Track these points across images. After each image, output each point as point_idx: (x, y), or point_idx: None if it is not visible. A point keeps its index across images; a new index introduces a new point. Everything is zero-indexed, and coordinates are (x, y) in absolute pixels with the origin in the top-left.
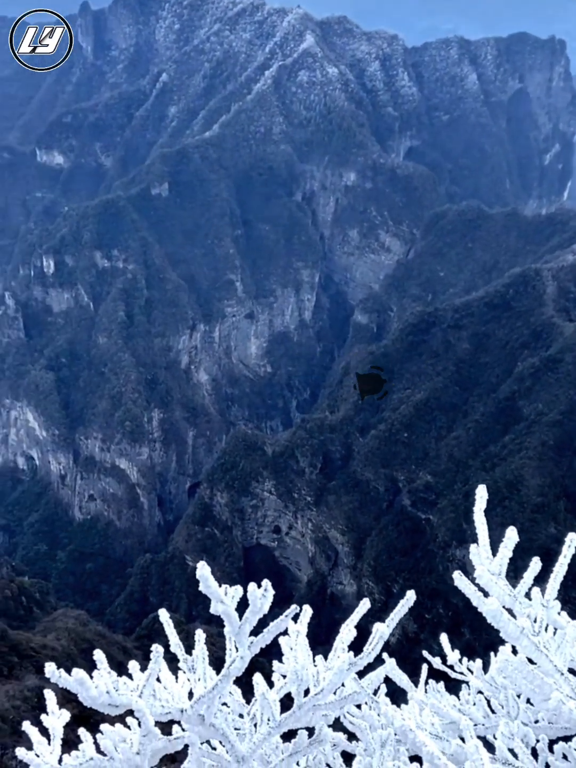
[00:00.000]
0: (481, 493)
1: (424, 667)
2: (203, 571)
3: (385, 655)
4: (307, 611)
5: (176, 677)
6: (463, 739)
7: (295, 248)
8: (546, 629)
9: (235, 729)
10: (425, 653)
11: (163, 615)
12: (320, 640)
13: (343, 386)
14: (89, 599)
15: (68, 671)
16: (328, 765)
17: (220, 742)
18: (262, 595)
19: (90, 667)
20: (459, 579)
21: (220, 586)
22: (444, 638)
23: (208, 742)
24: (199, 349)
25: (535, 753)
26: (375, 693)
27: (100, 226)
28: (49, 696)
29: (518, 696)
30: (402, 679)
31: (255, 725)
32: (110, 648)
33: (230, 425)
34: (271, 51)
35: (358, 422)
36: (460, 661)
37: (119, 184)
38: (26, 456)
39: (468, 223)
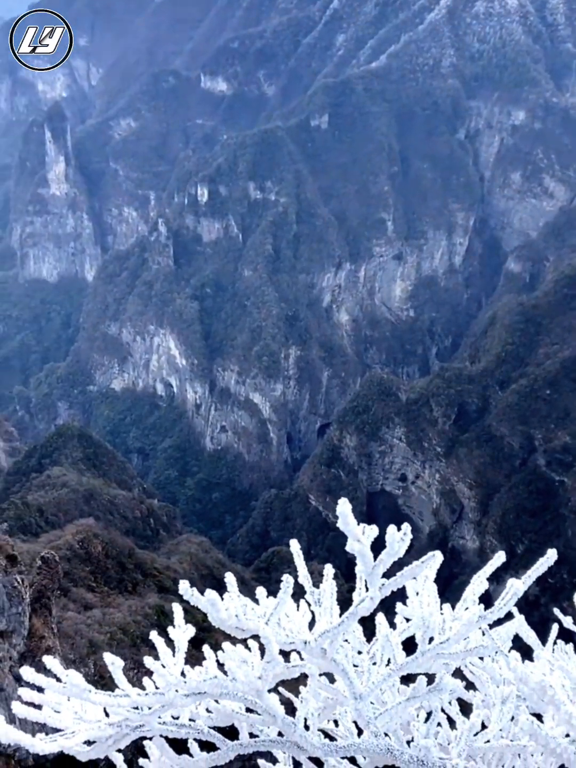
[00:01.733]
0: None
1: (554, 627)
2: (344, 507)
3: (514, 611)
4: (438, 558)
5: (298, 608)
6: None
7: (452, 189)
8: None
9: (354, 665)
10: (557, 611)
11: (294, 546)
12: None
13: (487, 336)
14: (213, 527)
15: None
16: (443, 710)
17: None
18: (401, 538)
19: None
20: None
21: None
22: None
23: (327, 674)
24: (343, 288)
25: None
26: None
27: (256, 157)
28: (177, 609)
29: None
30: (530, 636)
31: (374, 664)
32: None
33: (366, 368)
34: None
35: (498, 375)
36: None
37: (279, 114)
38: (165, 383)
39: None
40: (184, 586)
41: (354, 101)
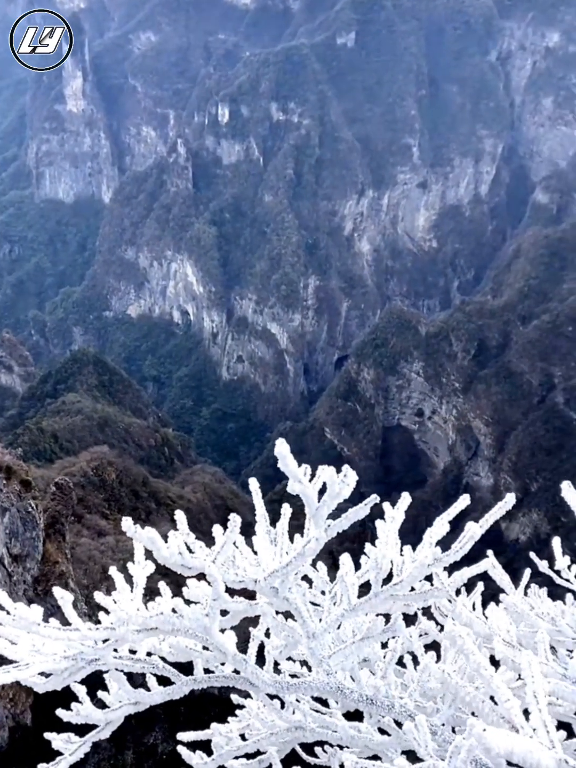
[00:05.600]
0: None
1: (527, 571)
2: (281, 448)
3: (490, 553)
4: (406, 498)
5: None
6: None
7: (481, 114)
8: None
9: (315, 605)
10: (532, 554)
11: (253, 484)
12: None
13: (510, 270)
14: (227, 458)
15: (199, 523)
16: (411, 653)
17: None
18: (342, 480)
19: (222, 521)
20: (568, 490)
21: (306, 467)
22: (556, 542)
23: (287, 614)
24: (365, 217)
25: None
26: (466, 592)
27: (279, 76)
28: (137, 546)
29: None
30: (503, 579)
31: (336, 604)
32: (241, 507)
33: (387, 300)
34: None
35: (521, 310)
36: (569, 568)
37: (304, 31)
38: (182, 310)
39: None
40: (126, 524)
41: (383, 18)
